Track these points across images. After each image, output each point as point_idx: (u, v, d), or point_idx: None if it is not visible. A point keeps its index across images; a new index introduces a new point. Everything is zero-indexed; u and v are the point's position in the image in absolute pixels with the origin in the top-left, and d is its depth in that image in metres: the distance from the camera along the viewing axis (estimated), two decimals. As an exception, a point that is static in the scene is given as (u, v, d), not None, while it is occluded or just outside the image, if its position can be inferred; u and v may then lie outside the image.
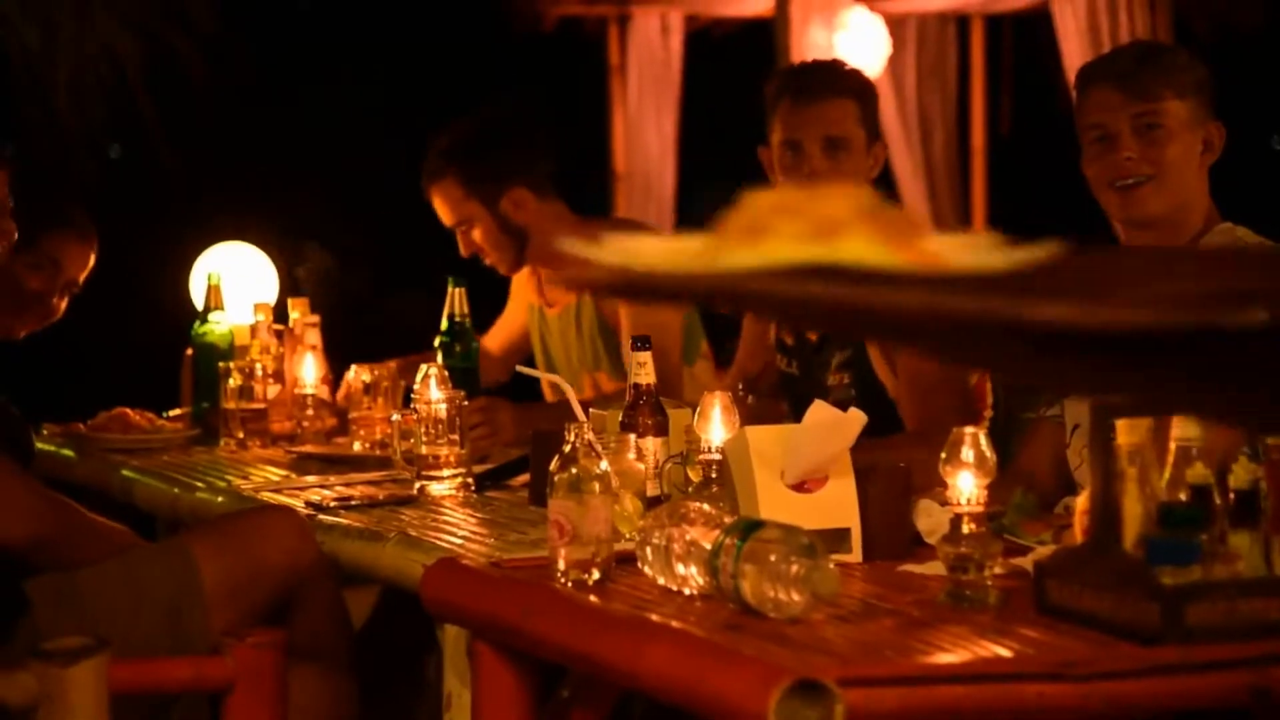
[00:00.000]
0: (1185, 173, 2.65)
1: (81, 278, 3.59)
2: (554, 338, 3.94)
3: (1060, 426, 2.79)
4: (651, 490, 2.55)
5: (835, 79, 3.25)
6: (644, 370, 2.62)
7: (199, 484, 3.25)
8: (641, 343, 2.64)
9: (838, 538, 2.33)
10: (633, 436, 2.48)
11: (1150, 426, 2.00)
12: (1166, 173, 2.64)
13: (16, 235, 3.03)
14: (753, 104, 3.37)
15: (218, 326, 3.85)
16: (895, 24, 7.74)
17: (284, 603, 2.75)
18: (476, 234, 3.82)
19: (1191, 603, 1.87)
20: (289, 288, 4.12)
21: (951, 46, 8.22)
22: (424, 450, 2.98)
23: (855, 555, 2.34)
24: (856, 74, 3.31)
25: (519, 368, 2.87)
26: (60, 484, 3.65)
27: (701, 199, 8.35)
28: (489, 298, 4.00)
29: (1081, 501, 2.10)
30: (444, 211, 3.86)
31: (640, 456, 2.48)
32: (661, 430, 2.62)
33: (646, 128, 8.26)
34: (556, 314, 3.94)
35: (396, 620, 3.31)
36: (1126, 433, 1.98)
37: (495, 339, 4.09)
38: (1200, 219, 2.69)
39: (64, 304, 3.59)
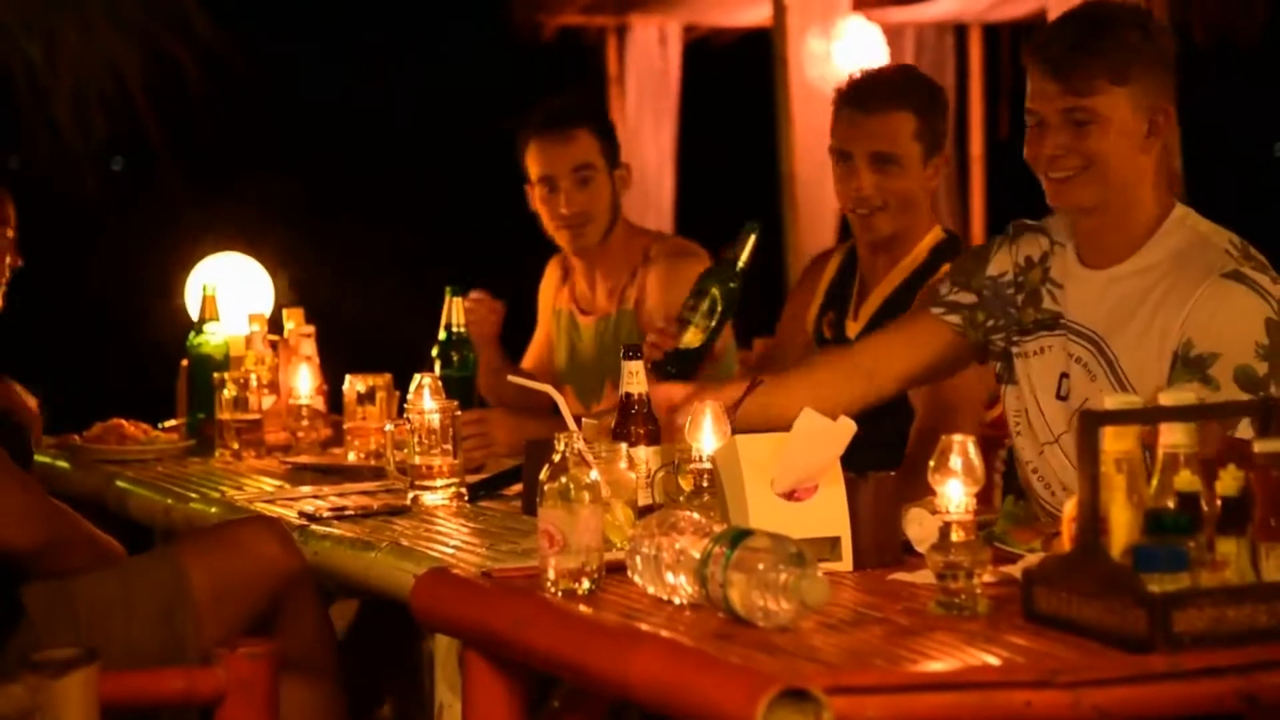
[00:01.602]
0: (1122, 161, 2.54)
1: (13, 225, 3.57)
2: (585, 344, 3.91)
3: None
4: (644, 499, 2.54)
5: (893, 92, 3.22)
6: (635, 379, 2.62)
7: (193, 495, 3.25)
8: (633, 352, 2.64)
9: (828, 546, 2.34)
10: (624, 446, 2.48)
11: (1138, 433, 2.00)
12: (1098, 165, 2.54)
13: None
14: (750, 113, 3.38)
15: (213, 337, 3.86)
16: (893, 33, 7.74)
17: (269, 613, 2.75)
18: (593, 188, 3.74)
19: (1179, 610, 1.87)
20: (284, 298, 4.13)
21: (949, 55, 8.22)
22: (418, 460, 2.98)
23: (845, 564, 2.34)
24: (919, 85, 3.27)
25: (510, 377, 2.87)
26: (55, 495, 3.66)
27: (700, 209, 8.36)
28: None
29: (1069, 509, 2.09)
30: (572, 153, 3.75)
31: (632, 466, 2.48)
32: (653, 439, 2.62)
33: (645, 137, 8.27)
34: (592, 322, 3.91)
35: (378, 631, 3.31)
36: (1114, 440, 1.98)
37: (532, 358, 4.05)
38: (1152, 204, 2.59)
39: (17, 257, 3.58)
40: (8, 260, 3.54)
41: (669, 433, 2.61)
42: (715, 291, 2.93)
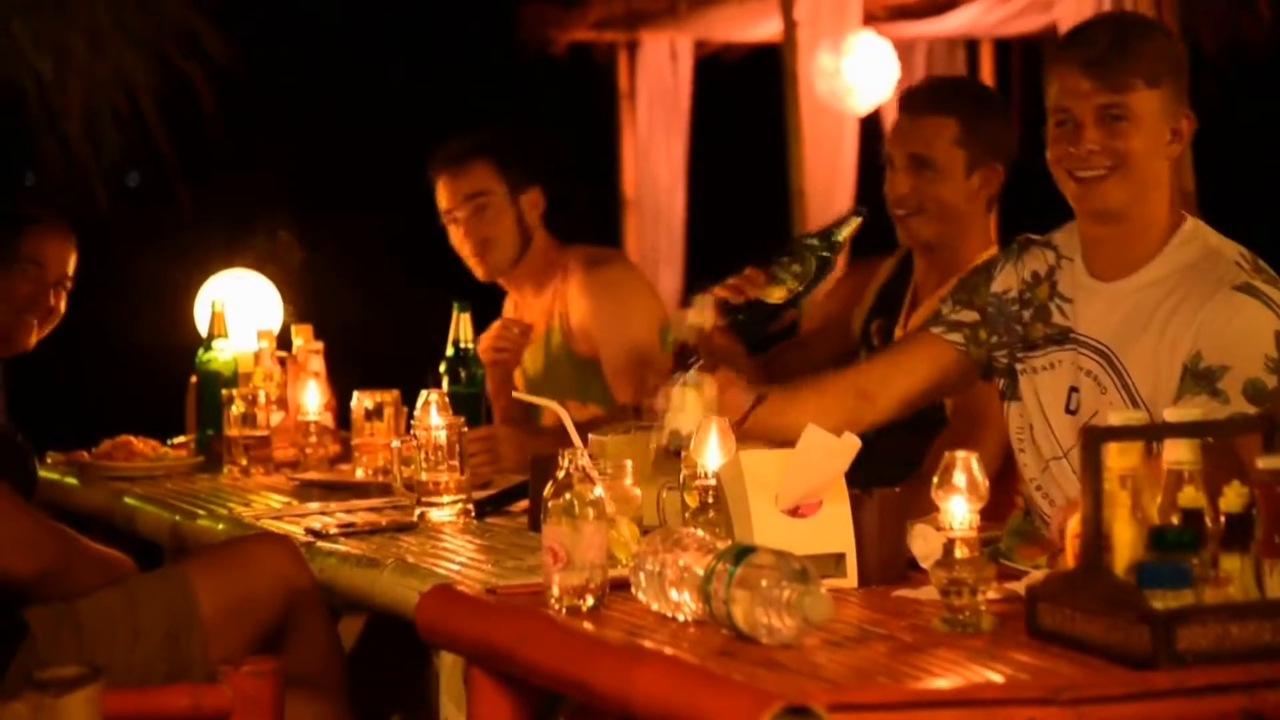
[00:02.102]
0: (1149, 164, 2.55)
1: (70, 271, 3.59)
2: (530, 363, 3.94)
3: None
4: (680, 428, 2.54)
5: (938, 97, 3.24)
6: (701, 317, 2.67)
7: (200, 511, 3.25)
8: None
9: (832, 562, 2.33)
10: (628, 462, 2.48)
11: (1142, 450, 1.99)
12: (1129, 165, 2.54)
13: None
14: (761, 129, 3.40)
15: (221, 354, 3.87)
16: (904, 48, 7.74)
17: (278, 630, 2.75)
18: (490, 214, 3.80)
19: (1183, 626, 1.86)
20: (289, 316, 4.13)
21: (960, 70, 8.22)
22: (424, 477, 2.98)
23: (850, 580, 2.34)
24: (970, 94, 3.28)
25: (514, 394, 2.88)
26: (64, 512, 3.67)
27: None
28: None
29: (1073, 525, 2.09)
30: (461, 186, 3.82)
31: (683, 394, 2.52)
32: (706, 365, 2.63)
33: (656, 153, 8.28)
34: (531, 343, 3.95)
35: (385, 648, 3.31)
36: (1117, 456, 1.98)
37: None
38: (1164, 214, 2.59)
39: (63, 302, 3.59)
40: (45, 301, 3.55)
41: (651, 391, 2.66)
42: (811, 259, 2.94)
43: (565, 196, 3.99)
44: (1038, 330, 2.67)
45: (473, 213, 3.82)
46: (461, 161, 3.84)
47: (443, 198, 3.86)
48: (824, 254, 2.93)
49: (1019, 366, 2.71)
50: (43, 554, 2.68)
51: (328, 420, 3.75)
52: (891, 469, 2.72)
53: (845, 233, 2.92)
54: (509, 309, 4.05)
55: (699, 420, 2.45)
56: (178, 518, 3.26)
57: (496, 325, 3.83)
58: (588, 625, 2.17)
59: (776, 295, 2.91)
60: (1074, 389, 2.62)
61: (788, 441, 2.34)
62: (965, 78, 3.50)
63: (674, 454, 2.54)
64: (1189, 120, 2.58)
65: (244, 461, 3.66)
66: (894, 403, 2.78)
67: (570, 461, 2.26)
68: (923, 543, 2.32)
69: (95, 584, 2.73)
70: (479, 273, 3.89)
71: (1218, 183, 5.58)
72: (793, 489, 2.32)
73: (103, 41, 7.59)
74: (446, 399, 3.03)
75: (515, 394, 2.83)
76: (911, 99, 3.28)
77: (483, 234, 3.83)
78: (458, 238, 3.85)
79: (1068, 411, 2.63)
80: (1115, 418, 2.01)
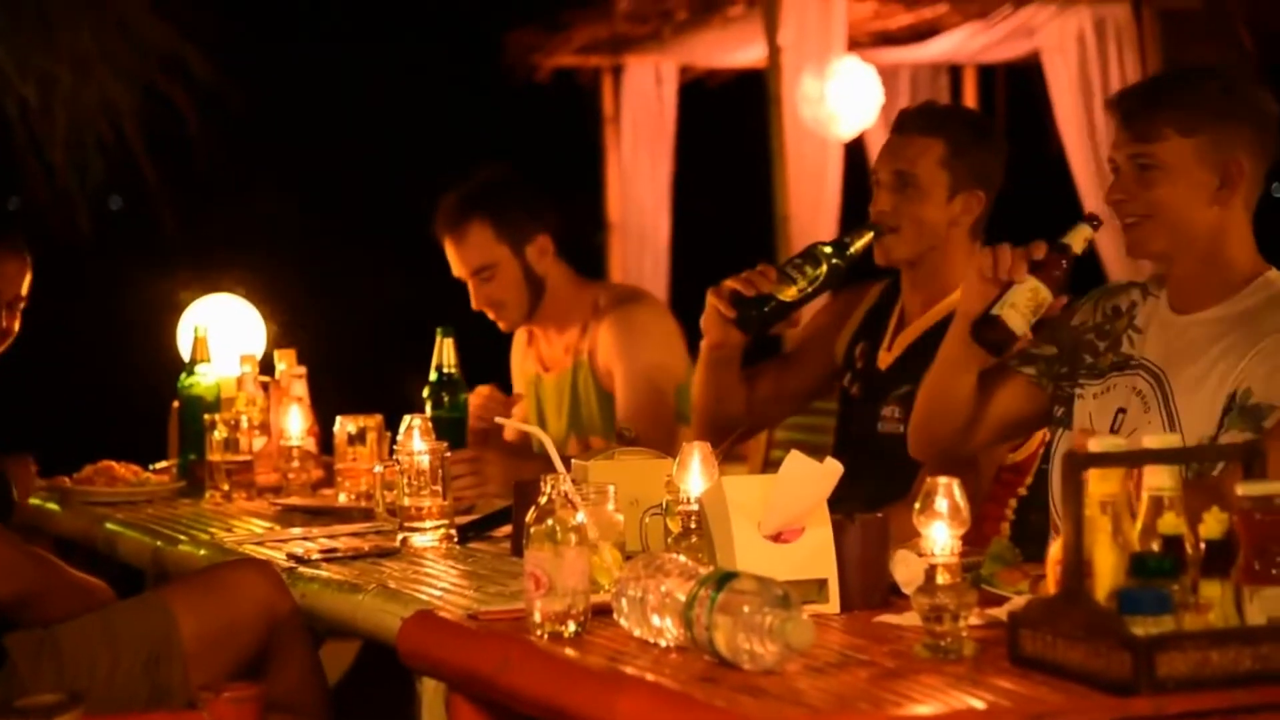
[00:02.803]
0: (1187, 212, 2.58)
1: (23, 291, 3.60)
2: (549, 401, 3.97)
3: None
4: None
5: (930, 118, 3.26)
6: (1082, 243, 2.68)
7: (182, 537, 3.24)
8: None
9: (815, 588, 2.33)
10: (611, 487, 2.48)
11: (1122, 476, 2.00)
12: (1161, 214, 2.59)
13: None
14: (745, 154, 3.42)
15: (204, 379, 3.86)
16: (888, 74, 7.77)
17: (260, 656, 2.74)
18: (498, 281, 3.85)
19: (1163, 653, 1.86)
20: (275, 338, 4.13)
21: (944, 96, 8.25)
22: (407, 502, 2.98)
23: (833, 606, 2.34)
24: (961, 119, 3.30)
25: (497, 419, 2.88)
26: (46, 537, 3.66)
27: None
28: (479, 349, 4.01)
29: (1054, 551, 2.09)
30: (467, 256, 3.88)
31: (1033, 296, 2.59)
32: (1060, 288, 2.66)
33: (640, 177, 8.30)
34: (553, 377, 3.98)
35: (377, 674, 3.31)
36: (1098, 482, 1.98)
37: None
38: (1243, 262, 2.61)
39: (16, 322, 3.59)
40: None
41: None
42: (824, 264, 2.97)
43: (567, 230, 4.00)
44: (1107, 360, 2.71)
45: (481, 283, 3.89)
46: (460, 225, 3.88)
47: (451, 263, 3.93)
48: (835, 261, 2.98)
49: (1078, 393, 2.73)
50: (20, 578, 2.67)
51: (310, 445, 3.74)
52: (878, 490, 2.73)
53: (859, 244, 2.99)
54: (519, 344, 4.06)
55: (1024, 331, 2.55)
56: (159, 543, 3.25)
57: (484, 394, 3.82)
58: (570, 651, 2.17)
59: (788, 294, 2.97)
60: (1121, 410, 2.65)
61: None
62: (963, 106, 3.50)
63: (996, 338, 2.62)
64: (1239, 164, 2.58)
65: (226, 486, 3.65)
66: (984, 435, 2.83)
67: (552, 487, 2.26)
68: (905, 568, 2.32)
69: (73, 610, 2.72)
70: (500, 327, 3.98)
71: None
72: (775, 515, 2.32)
73: (88, 69, 7.59)
74: (429, 424, 3.03)
75: (499, 420, 2.83)
76: (903, 118, 3.30)
77: (494, 299, 3.90)
78: (472, 299, 3.93)
79: (1112, 432, 2.65)
80: (1093, 444, 2.02)
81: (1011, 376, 2.79)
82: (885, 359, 3.31)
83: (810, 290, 2.97)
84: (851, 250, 3.03)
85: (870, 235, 3.07)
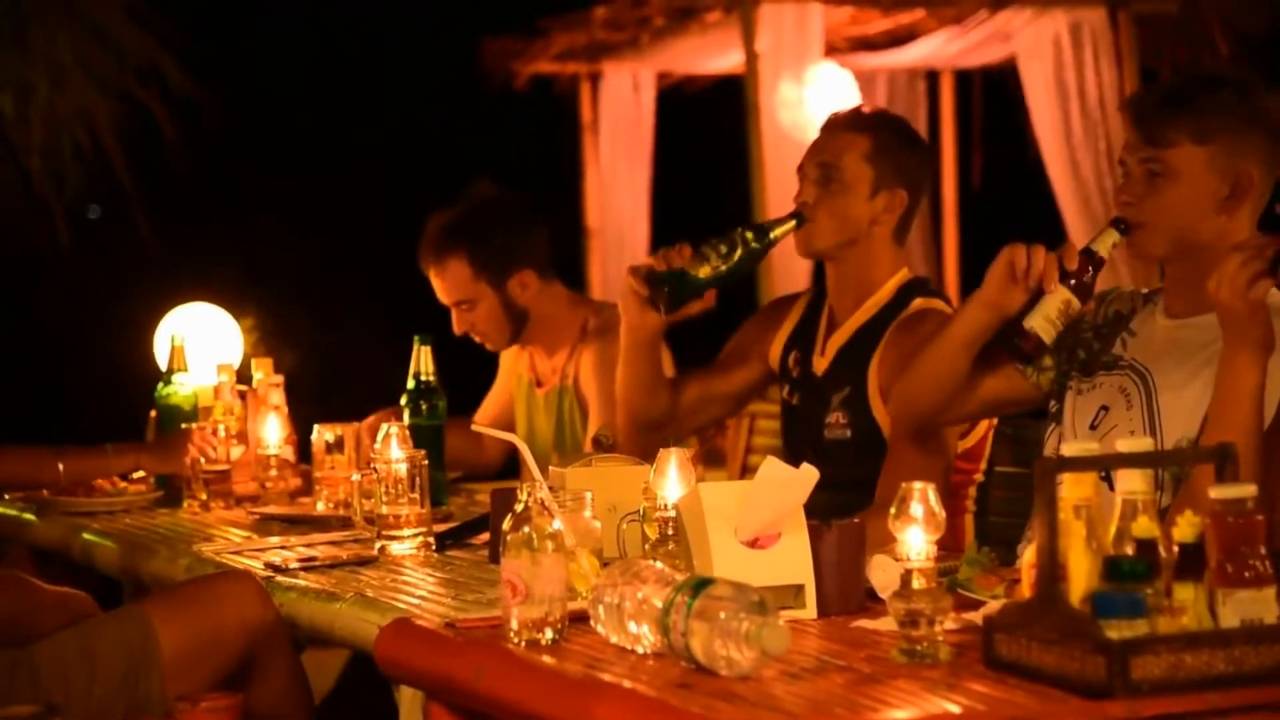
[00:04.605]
0: (1193, 219, 2.58)
1: None
2: (540, 416, 4.00)
3: None
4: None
5: (855, 119, 3.30)
6: (1108, 248, 2.66)
7: (160, 547, 3.23)
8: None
9: (791, 593, 2.34)
10: (589, 494, 2.48)
11: (1095, 480, 2.01)
12: (1166, 220, 2.59)
13: None
14: (723, 159, 3.44)
15: (181, 388, 3.85)
16: (865, 79, 7.79)
17: (242, 667, 2.74)
18: (478, 313, 3.89)
19: (1137, 656, 1.87)
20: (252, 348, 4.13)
21: (921, 101, 8.28)
22: (385, 510, 2.98)
23: (809, 611, 2.34)
24: (887, 122, 3.32)
25: (474, 426, 2.88)
26: (21, 548, 3.65)
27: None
28: (457, 356, 4.02)
29: (1029, 555, 2.10)
30: (446, 289, 3.93)
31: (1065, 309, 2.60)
32: (1088, 294, 2.66)
33: (619, 184, 8.30)
34: (544, 394, 4.00)
35: (364, 682, 3.30)
36: (1072, 486, 1.99)
37: (487, 415, 4.11)
38: None
39: None
40: None
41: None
42: (741, 248, 2.99)
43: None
44: (1099, 359, 2.72)
45: (462, 313, 3.93)
46: (440, 258, 3.91)
47: (435, 290, 3.96)
48: (754, 245, 3.01)
49: (1069, 389, 2.75)
50: None
51: (288, 454, 3.74)
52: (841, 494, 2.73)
53: (779, 231, 3.03)
54: (509, 358, 4.08)
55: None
56: (137, 553, 3.24)
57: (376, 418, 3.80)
58: (547, 659, 2.17)
59: (701, 271, 3.00)
60: (1104, 408, 2.66)
61: None
62: (893, 114, 3.53)
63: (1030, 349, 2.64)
64: (1250, 175, 2.58)
65: (204, 496, 3.65)
66: (969, 407, 2.83)
67: (529, 495, 2.26)
68: (881, 573, 2.33)
69: (48, 628, 2.71)
70: (486, 348, 4.01)
71: None
72: (752, 520, 2.33)
73: (64, 76, 7.57)
74: (407, 432, 3.03)
75: (475, 427, 2.83)
76: (833, 118, 3.34)
77: (475, 328, 3.95)
78: (454, 325, 3.97)
79: (1091, 428, 2.66)
80: (1067, 448, 2.03)
81: (1001, 361, 2.79)
82: (820, 364, 3.32)
83: (724, 270, 3.00)
84: (771, 235, 3.07)
85: (792, 224, 3.12)
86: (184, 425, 3.72)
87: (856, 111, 3.35)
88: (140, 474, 3.89)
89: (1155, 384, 2.62)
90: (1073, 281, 2.63)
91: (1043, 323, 2.64)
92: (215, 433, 3.68)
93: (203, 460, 3.62)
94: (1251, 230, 2.61)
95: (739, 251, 3.00)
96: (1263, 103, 2.61)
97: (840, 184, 3.24)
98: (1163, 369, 2.62)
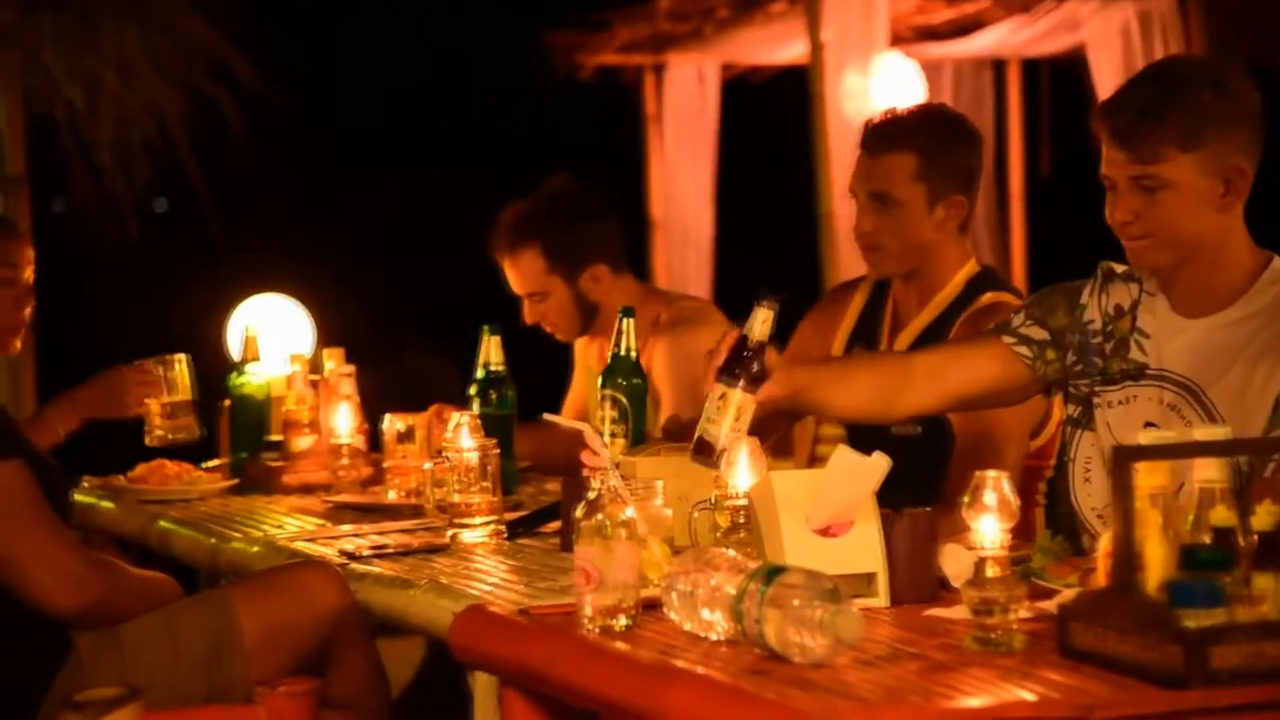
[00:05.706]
0: (1193, 224, 2.54)
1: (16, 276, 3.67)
2: None
3: None
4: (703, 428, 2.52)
5: (896, 134, 3.23)
6: (764, 326, 2.56)
7: (235, 534, 3.27)
8: (768, 297, 2.58)
9: (864, 582, 2.34)
10: (659, 483, 2.49)
11: (1171, 469, 2.00)
12: (1167, 231, 2.54)
13: None
14: (788, 151, 3.41)
15: (254, 378, 3.89)
16: (931, 69, 7.76)
17: (321, 654, 2.77)
18: (550, 305, 3.90)
19: (1216, 645, 1.86)
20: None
21: (988, 91, 8.23)
22: (457, 498, 3.00)
23: (881, 599, 2.34)
24: (929, 126, 3.26)
25: (545, 416, 2.89)
26: (104, 536, 3.70)
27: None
28: (525, 347, 4.03)
29: (1105, 544, 2.09)
30: (519, 281, 3.94)
31: (722, 404, 2.51)
32: (756, 383, 2.55)
33: (683, 175, 8.30)
34: None
35: (438, 675, 3.32)
36: (1147, 475, 1.98)
37: (569, 413, 4.11)
38: (1245, 258, 2.58)
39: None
40: (23, 304, 3.62)
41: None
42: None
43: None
44: (1115, 365, 2.65)
45: (534, 304, 3.95)
46: (513, 250, 3.92)
47: (508, 280, 3.97)
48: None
49: (1096, 400, 2.68)
50: (89, 590, 2.70)
51: (360, 443, 3.77)
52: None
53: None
54: (580, 350, 4.10)
55: (729, 436, 2.46)
56: (214, 540, 3.28)
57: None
58: (620, 645, 2.18)
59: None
60: (1150, 425, 2.58)
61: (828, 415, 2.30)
62: (928, 106, 3.44)
63: (703, 457, 2.54)
64: (1243, 172, 2.54)
65: (160, 431, 3.70)
66: (940, 393, 2.72)
67: (602, 482, 2.28)
68: (954, 562, 2.33)
69: (140, 611, 2.76)
70: (556, 339, 4.02)
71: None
72: (823, 509, 2.33)
73: (133, 70, 7.64)
74: (478, 421, 3.05)
75: (546, 416, 2.84)
76: (869, 136, 3.27)
77: (546, 319, 3.96)
78: (525, 315, 3.98)
79: None
80: (1144, 436, 2.02)
81: (1003, 350, 2.71)
82: None
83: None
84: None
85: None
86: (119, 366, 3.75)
87: (895, 123, 3.26)
88: (214, 463, 3.93)
89: (1209, 396, 2.55)
90: (727, 376, 2.54)
91: (709, 426, 2.55)
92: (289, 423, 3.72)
93: (156, 401, 3.66)
94: (1228, 229, 2.55)
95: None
96: (1241, 96, 2.54)
97: (897, 207, 3.22)
98: (1211, 380, 2.55)
